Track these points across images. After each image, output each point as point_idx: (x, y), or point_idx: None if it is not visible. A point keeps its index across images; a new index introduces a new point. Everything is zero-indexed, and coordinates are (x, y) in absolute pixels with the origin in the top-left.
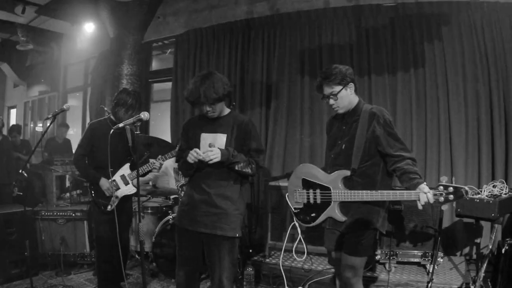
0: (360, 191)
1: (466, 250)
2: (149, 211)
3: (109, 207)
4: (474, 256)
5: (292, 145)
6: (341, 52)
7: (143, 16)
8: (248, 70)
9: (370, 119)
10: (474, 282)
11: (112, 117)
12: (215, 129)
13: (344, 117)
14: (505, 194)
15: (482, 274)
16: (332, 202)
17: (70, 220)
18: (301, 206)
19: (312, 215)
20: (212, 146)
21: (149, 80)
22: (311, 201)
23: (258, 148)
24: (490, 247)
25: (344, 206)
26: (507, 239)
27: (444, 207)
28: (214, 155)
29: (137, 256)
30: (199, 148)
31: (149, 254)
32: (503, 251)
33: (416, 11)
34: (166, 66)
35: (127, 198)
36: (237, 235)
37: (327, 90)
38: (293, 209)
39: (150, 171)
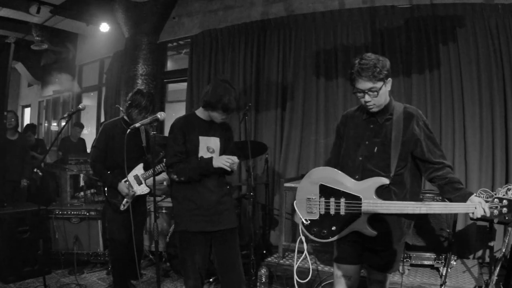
0: (403, 203)
1: (479, 253)
2: (164, 211)
3: (121, 207)
4: (487, 259)
5: (307, 146)
6: (356, 53)
7: (158, 16)
8: (264, 71)
9: (407, 119)
10: (487, 285)
11: (125, 117)
12: (210, 132)
13: (372, 114)
14: None
15: (495, 277)
16: (362, 214)
17: (84, 219)
18: (315, 218)
19: (332, 228)
20: (211, 149)
21: (164, 80)
22: (332, 212)
23: (236, 152)
24: (504, 250)
25: (376, 219)
26: None
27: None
28: (236, 164)
29: (151, 256)
30: (198, 151)
31: (163, 254)
32: None
33: (430, 12)
34: (181, 67)
35: (140, 198)
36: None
37: (365, 85)
38: (304, 221)
39: (163, 171)
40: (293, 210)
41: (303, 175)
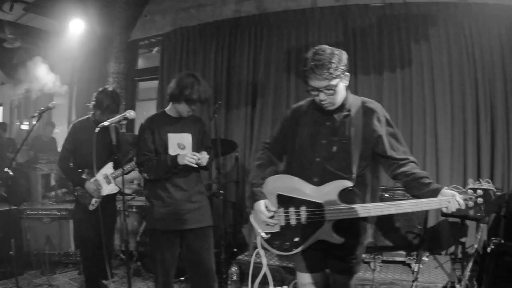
0: (370, 205)
1: (451, 249)
2: (134, 210)
3: (91, 207)
4: (460, 255)
5: None
6: None
7: (130, 14)
8: (234, 69)
9: (366, 115)
10: (460, 281)
11: (92, 117)
12: (181, 129)
13: (331, 113)
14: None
15: (468, 273)
16: (326, 221)
17: (55, 219)
18: (276, 230)
19: (295, 239)
20: (181, 146)
21: (135, 78)
22: (293, 222)
23: (210, 145)
24: (476, 246)
25: (340, 224)
26: (493, 239)
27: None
28: (206, 160)
29: (122, 255)
30: (167, 149)
31: (134, 253)
32: (488, 250)
33: (403, 11)
34: (153, 65)
35: (109, 197)
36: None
37: (320, 83)
38: (264, 235)
39: (133, 169)
40: (251, 225)
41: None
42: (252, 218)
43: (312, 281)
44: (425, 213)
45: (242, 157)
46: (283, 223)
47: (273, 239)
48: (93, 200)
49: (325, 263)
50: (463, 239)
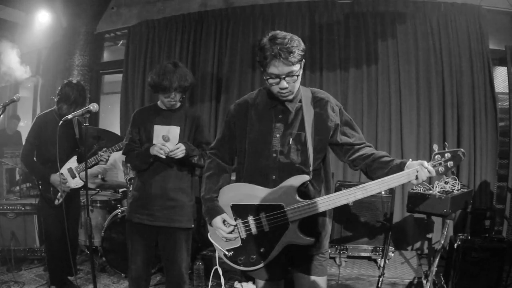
0: (333, 195)
1: (417, 244)
2: (98, 204)
3: (56, 201)
4: (426, 251)
5: None
6: None
7: (96, 6)
8: (199, 63)
9: (319, 105)
10: (427, 276)
11: (58, 111)
12: (169, 121)
13: (277, 101)
14: (457, 190)
15: (434, 268)
16: (290, 223)
17: (20, 214)
18: (237, 245)
19: (261, 250)
20: (166, 138)
21: (100, 71)
22: (254, 231)
23: (209, 141)
24: (442, 242)
25: (305, 223)
26: (459, 235)
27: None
28: (182, 153)
29: (86, 251)
30: (151, 140)
31: (98, 249)
32: (455, 246)
33: (371, 8)
34: (118, 58)
35: (74, 192)
36: (192, 225)
37: (283, 69)
38: (226, 252)
39: (97, 163)
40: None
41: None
42: (210, 236)
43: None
44: (391, 208)
45: None
46: (244, 235)
47: (237, 255)
48: (58, 194)
49: (287, 270)
50: (429, 235)
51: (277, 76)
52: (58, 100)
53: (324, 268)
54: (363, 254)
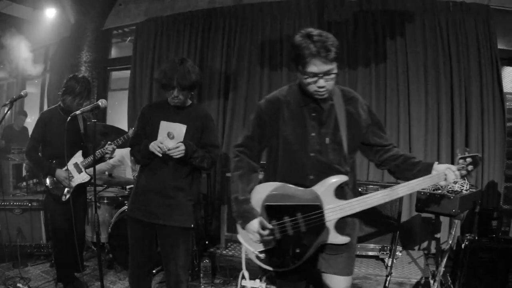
0: (370, 196)
1: (425, 244)
2: (105, 201)
3: (63, 197)
4: (433, 251)
5: None
6: None
7: (104, 2)
8: (207, 61)
9: (349, 103)
10: (434, 276)
11: (62, 104)
12: (176, 118)
13: (309, 99)
14: (466, 190)
15: (442, 268)
16: (327, 223)
17: (27, 210)
18: (271, 246)
19: (296, 251)
20: (171, 135)
21: (108, 68)
22: (290, 232)
23: (215, 143)
24: (450, 242)
25: (339, 223)
26: (467, 235)
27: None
28: (180, 153)
29: (93, 247)
30: (156, 136)
31: (105, 245)
32: (462, 246)
33: (380, 7)
34: (125, 54)
35: (81, 187)
36: (192, 225)
37: (322, 67)
38: (258, 254)
39: (103, 157)
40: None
41: None
42: (240, 237)
43: None
44: (399, 207)
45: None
46: (279, 236)
47: (270, 257)
48: (65, 190)
49: (310, 272)
50: (437, 235)
51: (315, 74)
52: (62, 93)
53: (351, 268)
54: (370, 253)
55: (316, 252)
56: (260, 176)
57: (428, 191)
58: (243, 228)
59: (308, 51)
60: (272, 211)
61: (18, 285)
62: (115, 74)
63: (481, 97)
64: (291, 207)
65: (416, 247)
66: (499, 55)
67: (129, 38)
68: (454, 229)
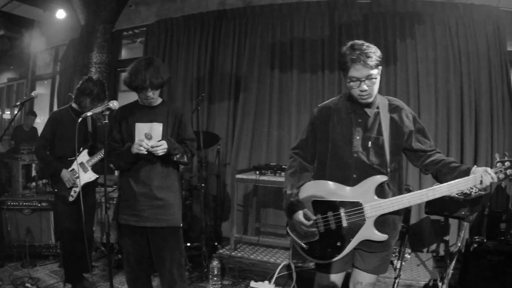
0: (408, 195)
1: (433, 247)
2: (115, 201)
3: (70, 198)
4: (441, 253)
5: (259, 138)
6: (312, 47)
7: (114, 4)
8: (218, 62)
9: (394, 112)
10: (442, 279)
11: (74, 105)
12: (151, 118)
13: (357, 106)
14: (475, 193)
15: (450, 271)
16: (366, 219)
17: (36, 210)
18: (315, 239)
19: (337, 244)
20: (148, 136)
21: (118, 69)
22: (333, 226)
23: (192, 137)
24: (459, 244)
25: (378, 221)
26: (476, 237)
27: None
28: (162, 150)
29: (102, 248)
30: (133, 139)
31: (115, 246)
32: (471, 249)
33: (390, 8)
34: (136, 56)
35: (89, 187)
36: (181, 224)
37: (362, 72)
38: (303, 246)
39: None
40: (288, 235)
41: (255, 167)
42: (289, 230)
43: (331, 283)
44: (408, 210)
45: (224, 150)
46: (322, 229)
47: (314, 248)
48: (72, 191)
49: (348, 264)
50: (446, 237)
51: (358, 79)
52: (77, 95)
53: (384, 268)
54: None
55: (355, 249)
56: None
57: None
58: (290, 218)
59: (350, 57)
60: (318, 205)
61: (27, 285)
62: (125, 75)
63: (491, 99)
64: (335, 202)
65: (425, 250)
66: (509, 56)
67: (140, 39)
68: (463, 231)
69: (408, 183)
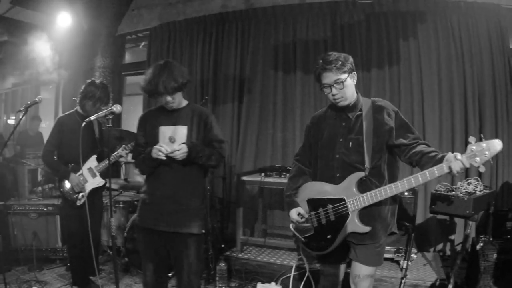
0: (381, 188)
1: (440, 246)
2: (121, 205)
3: (78, 202)
4: (448, 253)
5: (264, 140)
6: (315, 48)
7: (117, 8)
8: (221, 64)
9: (376, 112)
10: (449, 278)
11: (79, 109)
12: (175, 121)
13: (341, 112)
14: (480, 191)
15: (456, 270)
16: (350, 213)
17: (42, 215)
18: (311, 233)
19: (328, 237)
20: (172, 139)
21: (122, 73)
22: (323, 221)
23: (219, 138)
24: (465, 244)
25: (364, 214)
26: (481, 236)
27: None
28: (182, 155)
29: (109, 251)
30: (157, 142)
31: (121, 249)
32: (477, 248)
33: (392, 8)
34: (140, 59)
35: (96, 192)
36: (203, 231)
37: (330, 78)
38: (303, 240)
39: (117, 160)
40: (293, 233)
41: (260, 169)
42: (291, 227)
43: (332, 272)
44: (414, 209)
45: (229, 152)
46: (316, 224)
47: (310, 242)
48: (80, 195)
49: (346, 256)
50: (452, 237)
51: (328, 84)
52: (81, 99)
53: (375, 259)
54: (386, 255)
55: (348, 241)
56: None
57: (442, 192)
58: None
59: (319, 68)
60: (311, 204)
61: None
62: (129, 79)
63: (495, 97)
64: (324, 200)
65: (431, 249)
66: (511, 53)
67: (143, 43)
68: (469, 230)
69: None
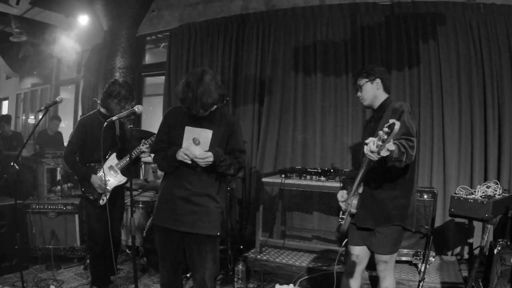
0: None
1: (458, 250)
2: (140, 205)
3: (101, 201)
4: (466, 256)
5: (284, 141)
6: (335, 49)
7: (137, 9)
8: (242, 66)
9: (393, 114)
10: (466, 282)
11: (102, 109)
12: (201, 123)
13: (374, 114)
14: (499, 195)
15: (474, 274)
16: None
17: (61, 214)
18: (341, 215)
19: (340, 220)
20: (196, 141)
21: (142, 73)
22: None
23: (242, 148)
24: (483, 247)
25: (363, 202)
26: (499, 240)
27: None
28: (207, 163)
29: (128, 251)
30: (181, 141)
31: (140, 249)
32: (495, 251)
33: (411, 10)
34: (160, 60)
35: (118, 191)
36: (218, 233)
37: (356, 83)
38: (340, 220)
39: (138, 155)
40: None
41: (280, 170)
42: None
43: (354, 252)
44: (433, 213)
45: (249, 153)
46: (344, 208)
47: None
48: (102, 195)
49: (364, 239)
50: (470, 240)
51: (356, 88)
52: (105, 98)
53: (382, 247)
54: (404, 258)
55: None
56: None
57: (461, 195)
58: None
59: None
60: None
61: (51, 287)
62: (149, 80)
63: None
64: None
65: (449, 252)
66: None
67: (163, 44)
68: (487, 234)
69: (432, 185)
